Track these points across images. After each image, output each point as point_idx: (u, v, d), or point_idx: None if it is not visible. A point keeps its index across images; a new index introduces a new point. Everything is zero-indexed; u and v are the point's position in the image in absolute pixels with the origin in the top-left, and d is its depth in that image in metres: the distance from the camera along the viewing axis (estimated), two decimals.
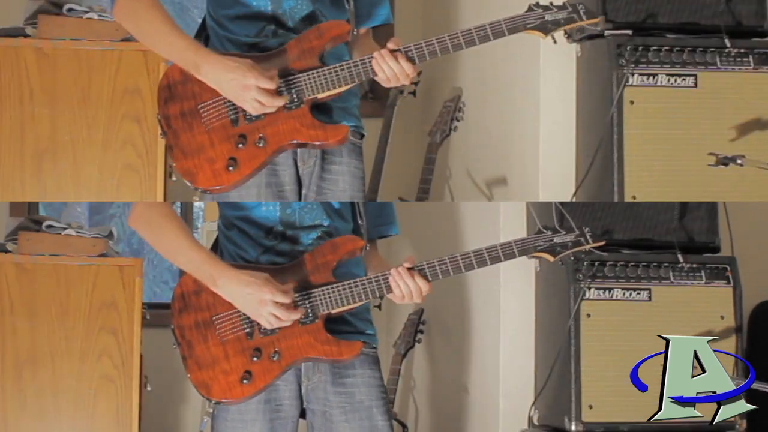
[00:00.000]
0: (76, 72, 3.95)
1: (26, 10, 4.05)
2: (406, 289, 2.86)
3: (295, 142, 2.89)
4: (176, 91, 2.89)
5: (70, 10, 3.96)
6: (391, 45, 2.86)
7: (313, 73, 2.87)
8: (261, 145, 2.87)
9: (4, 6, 4.49)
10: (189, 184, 2.90)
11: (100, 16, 3.96)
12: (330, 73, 2.87)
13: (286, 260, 2.93)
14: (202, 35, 3.03)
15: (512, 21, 2.84)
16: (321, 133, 2.88)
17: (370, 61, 2.86)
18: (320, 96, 2.89)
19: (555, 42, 2.87)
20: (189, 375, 2.89)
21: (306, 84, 2.87)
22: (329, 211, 2.97)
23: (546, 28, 2.85)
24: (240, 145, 2.87)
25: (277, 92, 2.85)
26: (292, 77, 2.87)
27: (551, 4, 2.86)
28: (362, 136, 3.05)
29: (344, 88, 2.89)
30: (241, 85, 2.83)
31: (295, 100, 2.87)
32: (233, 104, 2.87)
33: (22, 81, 3.94)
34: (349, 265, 2.96)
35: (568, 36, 2.86)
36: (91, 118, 3.95)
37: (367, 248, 2.99)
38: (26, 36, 3.96)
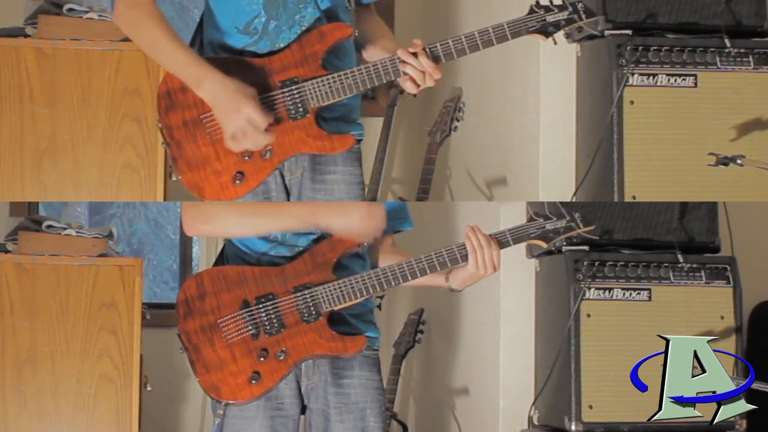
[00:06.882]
0: (76, 72, 3.95)
1: (26, 10, 4.05)
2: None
3: (301, 153, 2.85)
4: (176, 99, 2.82)
5: (70, 10, 3.96)
6: (411, 48, 2.82)
7: (317, 82, 2.82)
8: (267, 156, 2.81)
9: (4, 6, 4.49)
10: (195, 196, 2.84)
11: (100, 16, 3.96)
12: (335, 81, 2.81)
13: (285, 263, 2.91)
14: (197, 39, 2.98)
15: (515, 24, 2.83)
16: (327, 144, 2.84)
17: (374, 68, 2.82)
18: (325, 104, 2.83)
19: (555, 43, 2.86)
20: (198, 378, 2.87)
21: (311, 92, 2.82)
22: None
23: (547, 31, 2.84)
24: (246, 157, 2.81)
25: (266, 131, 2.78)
26: (296, 86, 2.82)
27: (551, 2, 2.86)
28: (359, 141, 2.97)
29: (349, 96, 2.84)
30: (234, 109, 2.75)
31: (300, 109, 2.82)
32: None
33: (22, 81, 3.93)
34: (354, 266, 2.96)
35: (568, 36, 2.87)
36: (91, 118, 3.94)
37: (366, 245, 2.98)
38: (26, 36, 3.95)
